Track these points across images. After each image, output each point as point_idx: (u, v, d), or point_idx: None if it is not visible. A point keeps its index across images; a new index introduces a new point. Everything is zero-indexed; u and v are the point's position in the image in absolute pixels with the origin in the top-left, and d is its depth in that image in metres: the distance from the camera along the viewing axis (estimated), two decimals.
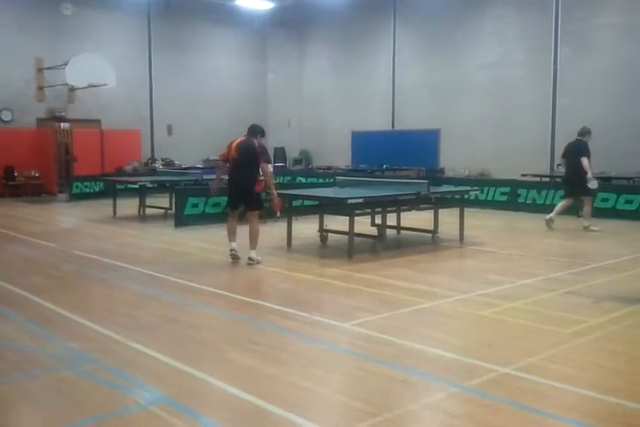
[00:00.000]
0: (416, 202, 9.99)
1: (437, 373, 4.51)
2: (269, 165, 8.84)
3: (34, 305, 6.42)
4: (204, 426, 3.70)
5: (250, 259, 8.53)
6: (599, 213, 13.30)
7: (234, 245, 8.67)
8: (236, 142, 8.69)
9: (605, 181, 14.97)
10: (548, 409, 3.88)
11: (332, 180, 14.55)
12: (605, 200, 13.41)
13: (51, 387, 4.28)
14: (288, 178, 19.98)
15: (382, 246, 9.53)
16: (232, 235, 8.73)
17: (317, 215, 10.25)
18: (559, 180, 13.26)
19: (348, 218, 8.94)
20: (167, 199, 14.00)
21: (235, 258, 8.63)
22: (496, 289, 7.02)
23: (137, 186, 13.98)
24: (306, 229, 10.76)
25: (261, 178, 8.77)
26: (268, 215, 12.55)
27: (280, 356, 4.91)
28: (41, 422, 3.82)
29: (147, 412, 3.86)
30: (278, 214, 9.55)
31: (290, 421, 3.73)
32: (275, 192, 8.75)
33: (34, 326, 5.69)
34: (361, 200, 9.03)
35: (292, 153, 24.68)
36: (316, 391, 4.20)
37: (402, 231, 10.95)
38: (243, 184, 8.61)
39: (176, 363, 4.66)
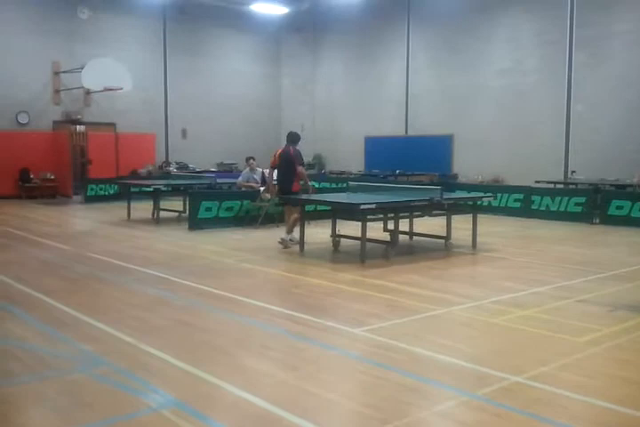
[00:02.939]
0: (429, 208, 9.96)
1: (448, 380, 4.49)
2: (300, 167, 10.52)
3: (47, 306, 6.46)
4: None
5: (282, 239, 10.17)
6: (613, 221, 13.24)
7: (284, 235, 10.21)
8: (279, 152, 10.60)
9: (620, 189, 14.90)
10: (559, 419, 3.85)
11: (344, 185, 14.56)
12: (620, 208, 13.31)
13: (62, 389, 4.31)
14: (301, 182, 19.98)
15: (395, 252, 9.51)
16: (287, 226, 10.39)
17: (330, 220, 10.24)
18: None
19: (360, 223, 8.95)
20: (181, 202, 14.06)
21: (285, 245, 10.12)
22: (509, 296, 6.99)
23: (151, 189, 14.04)
24: (319, 233, 10.78)
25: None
26: (281, 220, 12.64)
27: (291, 361, 4.91)
28: (53, 424, 3.83)
29: (158, 415, 3.87)
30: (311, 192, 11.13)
31: (300, 426, 3.73)
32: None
33: (46, 327, 5.73)
34: (374, 206, 9.03)
35: (306, 158, 24.39)
36: (327, 397, 4.20)
37: (414, 237, 10.94)
38: (283, 185, 10.51)
39: (187, 366, 4.68)
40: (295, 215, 10.29)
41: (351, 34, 23.43)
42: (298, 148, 10.66)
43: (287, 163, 10.41)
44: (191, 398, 4.10)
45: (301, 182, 10.74)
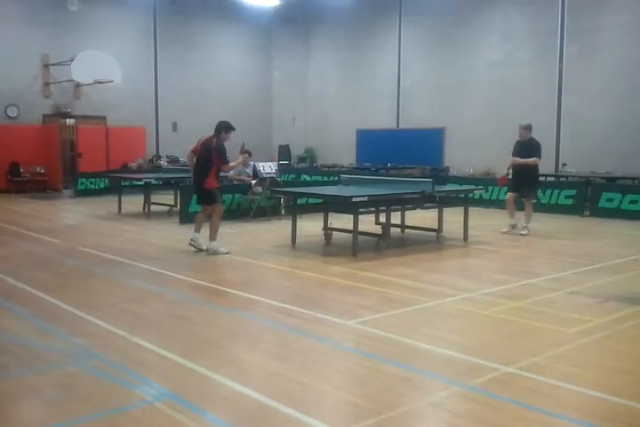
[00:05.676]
0: (420, 201, 9.98)
1: (441, 371, 4.52)
2: (224, 166, 9.30)
3: (39, 301, 6.45)
4: (208, 422, 3.72)
5: (206, 249, 9.12)
6: (604, 214, 13.31)
7: (194, 235, 9.23)
8: (202, 140, 9.28)
9: (610, 181, 14.97)
10: (551, 408, 3.89)
11: (336, 178, 14.56)
12: (610, 200, 13.39)
13: (56, 382, 4.31)
14: (292, 176, 19.99)
15: (386, 245, 9.54)
16: (195, 225, 9.34)
17: (322, 213, 10.25)
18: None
19: (352, 216, 8.96)
20: (172, 196, 14.03)
21: (194, 247, 9.20)
22: (500, 288, 7.03)
23: (142, 183, 13.97)
24: (310, 227, 10.78)
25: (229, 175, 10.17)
26: (272, 213, 12.66)
27: (284, 353, 4.92)
28: (47, 417, 3.84)
29: (152, 408, 3.88)
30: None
31: (293, 418, 3.75)
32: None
33: (39, 321, 5.72)
34: (365, 198, 9.04)
35: (297, 150, 24.67)
36: (320, 389, 4.22)
37: (406, 230, 10.96)
38: (195, 180, 9.38)
39: (181, 359, 4.68)
40: (215, 217, 9.22)
41: (343, 26, 23.37)
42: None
43: (205, 155, 9.14)
44: (185, 391, 4.11)
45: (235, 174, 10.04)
